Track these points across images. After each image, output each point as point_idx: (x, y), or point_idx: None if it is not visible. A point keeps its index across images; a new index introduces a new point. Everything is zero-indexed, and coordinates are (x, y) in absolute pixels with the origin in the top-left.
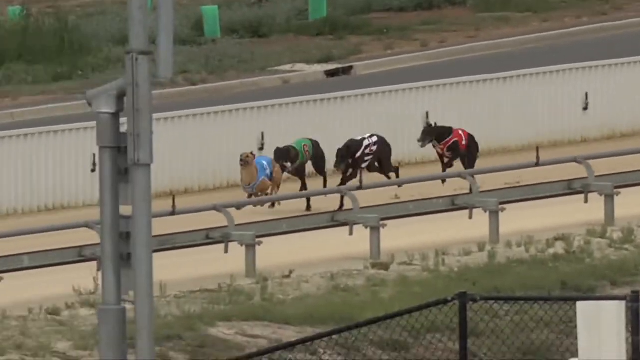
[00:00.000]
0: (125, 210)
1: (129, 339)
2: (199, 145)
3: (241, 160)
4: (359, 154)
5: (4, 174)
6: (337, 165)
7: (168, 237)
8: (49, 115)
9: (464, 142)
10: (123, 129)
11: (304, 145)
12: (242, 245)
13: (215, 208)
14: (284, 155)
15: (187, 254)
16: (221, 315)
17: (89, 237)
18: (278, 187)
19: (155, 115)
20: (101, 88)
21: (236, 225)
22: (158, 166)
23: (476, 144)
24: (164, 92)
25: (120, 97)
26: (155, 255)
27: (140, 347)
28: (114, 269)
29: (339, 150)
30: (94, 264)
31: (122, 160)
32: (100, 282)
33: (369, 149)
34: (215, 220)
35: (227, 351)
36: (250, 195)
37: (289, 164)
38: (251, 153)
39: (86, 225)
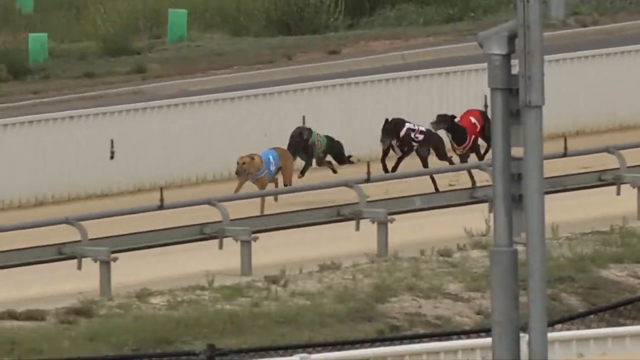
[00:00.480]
0: (516, 151)
1: (520, 280)
2: (599, 85)
3: (237, 172)
4: (402, 132)
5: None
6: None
7: (559, 179)
8: (438, 57)
9: (477, 129)
10: (514, 70)
11: (317, 135)
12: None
13: (607, 150)
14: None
15: (578, 196)
16: (613, 257)
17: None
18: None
19: (546, 57)
20: (492, 30)
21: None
22: (550, 108)
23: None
24: (556, 34)
25: (512, 39)
26: (546, 197)
27: (532, 288)
28: (506, 211)
29: (383, 125)
30: (486, 205)
31: (513, 102)
32: (491, 223)
33: (414, 134)
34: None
35: (619, 293)
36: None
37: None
38: (247, 156)
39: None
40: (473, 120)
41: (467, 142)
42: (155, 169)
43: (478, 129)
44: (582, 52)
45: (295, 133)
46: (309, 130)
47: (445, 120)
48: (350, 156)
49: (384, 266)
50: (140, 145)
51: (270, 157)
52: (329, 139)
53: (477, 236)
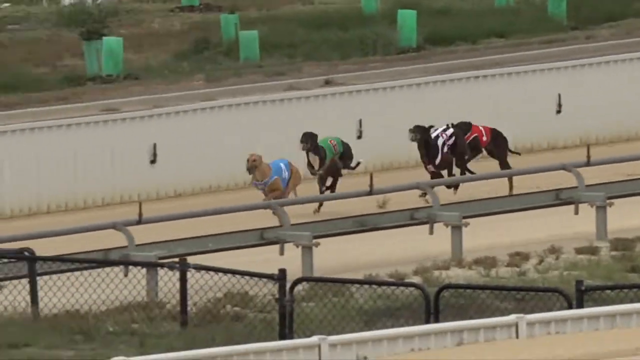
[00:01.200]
0: None
1: None
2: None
3: (248, 169)
4: (438, 160)
5: None
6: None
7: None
8: None
9: (484, 138)
10: None
11: (331, 141)
12: None
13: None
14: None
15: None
16: None
17: None
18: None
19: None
20: None
21: None
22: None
23: (504, 139)
24: None
25: None
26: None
27: None
28: None
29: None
30: None
31: None
32: None
33: (445, 144)
34: None
35: None
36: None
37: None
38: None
39: None
40: (481, 128)
41: (467, 135)
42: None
43: (485, 139)
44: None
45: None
46: (313, 135)
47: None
48: (358, 163)
49: None
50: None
51: (282, 165)
52: (344, 143)
53: None
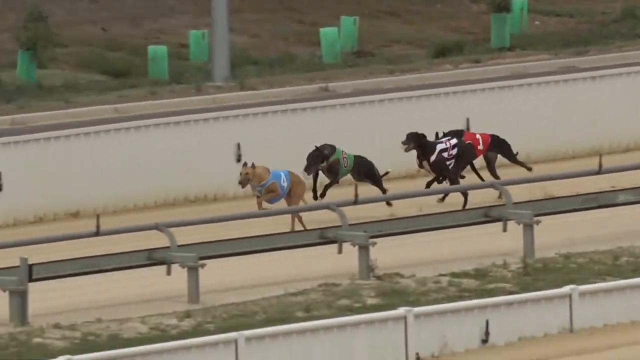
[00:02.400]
0: None
1: None
2: None
3: (240, 182)
4: (433, 157)
5: None
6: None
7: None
8: None
9: (480, 147)
10: None
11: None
12: None
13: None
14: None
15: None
16: None
17: None
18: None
19: None
20: None
21: None
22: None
23: (507, 145)
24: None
25: None
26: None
27: None
28: None
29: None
30: None
31: None
32: None
33: (447, 152)
34: None
35: None
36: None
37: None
38: (251, 166)
39: None
40: (478, 136)
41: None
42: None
43: (480, 148)
44: None
45: (313, 151)
46: (332, 148)
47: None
48: (387, 172)
49: None
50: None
51: (282, 175)
52: (357, 157)
53: None
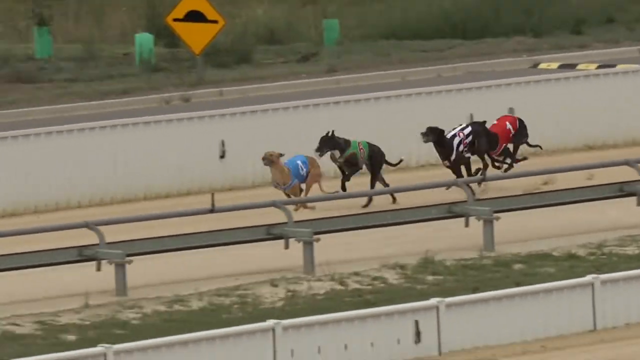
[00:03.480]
0: None
1: None
2: None
3: (263, 159)
4: (453, 156)
5: None
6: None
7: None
8: None
9: (512, 133)
10: None
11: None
12: None
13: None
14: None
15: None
16: None
17: None
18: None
19: None
20: None
21: None
22: None
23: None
24: None
25: None
26: None
27: None
28: None
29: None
30: None
31: None
32: None
33: (462, 144)
34: None
35: None
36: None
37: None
38: (280, 154)
39: None
40: (508, 125)
41: (497, 148)
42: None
43: (511, 135)
44: None
45: (325, 134)
46: (346, 142)
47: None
48: (401, 160)
49: None
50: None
51: (300, 162)
52: (371, 145)
53: None
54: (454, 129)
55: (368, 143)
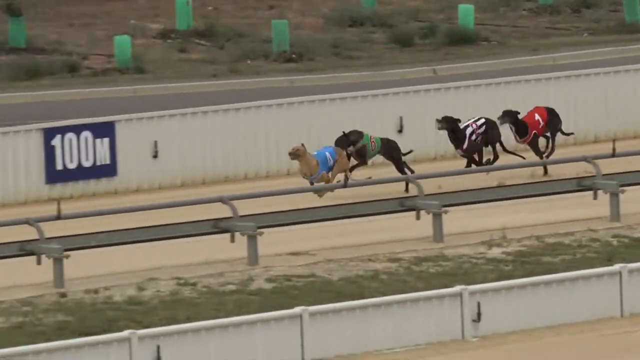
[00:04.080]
0: None
1: None
2: None
3: (290, 154)
4: (465, 145)
5: None
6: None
7: None
8: None
9: (541, 125)
10: None
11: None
12: None
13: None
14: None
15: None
16: None
17: None
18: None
19: None
20: None
21: None
22: None
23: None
24: None
25: None
26: None
27: None
28: None
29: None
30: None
31: None
32: None
33: (475, 134)
34: None
35: None
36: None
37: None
38: (302, 145)
39: None
40: (537, 117)
41: (527, 135)
42: None
43: (541, 126)
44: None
45: (340, 136)
46: (359, 134)
47: (510, 115)
48: (410, 151)
49: None
50: None
51: (327, 154)
52: (384, 140)
53: None
54: (468, 120)
55: (381, 138)
